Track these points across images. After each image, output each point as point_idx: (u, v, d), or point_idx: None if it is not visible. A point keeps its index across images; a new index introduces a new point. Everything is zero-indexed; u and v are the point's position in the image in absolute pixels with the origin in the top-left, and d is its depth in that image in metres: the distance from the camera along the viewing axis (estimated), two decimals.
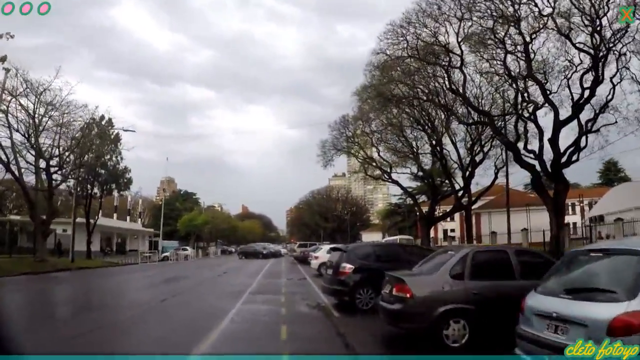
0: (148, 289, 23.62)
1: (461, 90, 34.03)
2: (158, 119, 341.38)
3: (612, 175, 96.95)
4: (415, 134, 50.90)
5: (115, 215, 73.81)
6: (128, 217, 79.76)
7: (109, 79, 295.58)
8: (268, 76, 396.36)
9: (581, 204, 78.20)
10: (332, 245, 29.47)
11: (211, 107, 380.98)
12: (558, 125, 28.16)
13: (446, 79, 35.25)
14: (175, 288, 23.00)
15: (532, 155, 30.42)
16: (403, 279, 9.93)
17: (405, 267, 12.92)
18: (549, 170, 28.79)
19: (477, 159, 45.96)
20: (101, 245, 67.07)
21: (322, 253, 31.70)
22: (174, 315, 14.43)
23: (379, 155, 56.01)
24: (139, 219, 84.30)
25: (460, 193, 49.29)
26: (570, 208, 70.82)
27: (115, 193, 58.13)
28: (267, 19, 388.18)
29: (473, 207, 57.47)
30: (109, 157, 51.94)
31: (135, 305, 16.70)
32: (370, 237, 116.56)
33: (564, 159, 28.66)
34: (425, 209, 56.42)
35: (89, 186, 52.04)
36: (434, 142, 47.40)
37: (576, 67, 28.15)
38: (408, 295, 9.56)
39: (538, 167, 30.06)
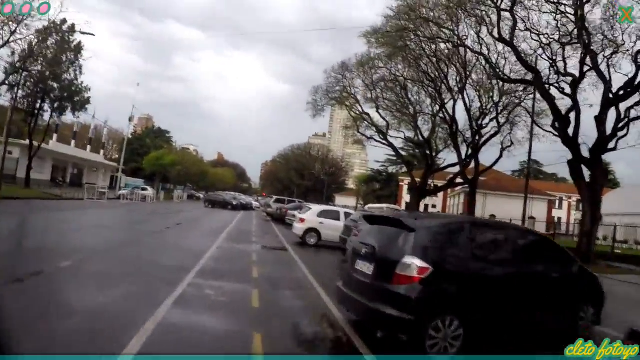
0: (38, 243, 14.31)
1: (509, 38, 26.96)
2: (144, 55, 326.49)
3: None
4: (418, 95, 45.12)
5: (73, 142, 63.94)
6: (89, 147, 69.75)
7: (99, 8, 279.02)
8: (259, 25, 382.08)
9: (569, 200, 76.62)
10: (372, 210, 20.94)
11: (197, 49, 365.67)
12: (607, 101, 24.13)
13: (493, 23, 28.29)
14: (83, 247, 13.88)
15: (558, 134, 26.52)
16: None
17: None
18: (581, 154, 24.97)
19: (484, 132, 41.04)
20: (53, 174, 57.64)
21: (312, 215, 23.17)
22: None
23: (377, 111, 48.78)
24: (102, 151, 74.22)
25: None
26: (557, 203, 64.57)
27: (70, 114, 47.70)
28: None
29: (462, 186, 51.48)
30: (65, 69, 42.33)
31: None
32: (344, 201, 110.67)
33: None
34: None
35: (38, 101, 42.38)
36: (444, 103, 41.18)
37: (619, 47, 24.34)
38: None
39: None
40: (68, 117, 65.75)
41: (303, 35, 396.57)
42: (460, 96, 38.73)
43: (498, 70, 31.88)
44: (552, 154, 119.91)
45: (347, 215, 22.50)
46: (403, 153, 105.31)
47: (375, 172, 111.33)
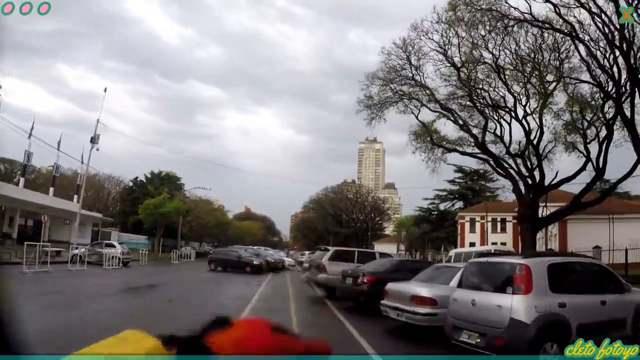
0: None
1: None
2: (165, 115, 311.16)
3: None
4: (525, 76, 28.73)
5: (22, 180, 41.97)
6: (51, 189, 47.70)
7: (119, 69, 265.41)
8: (277, 78, 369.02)
9: None
10: None
11: (219, 106, 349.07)
12: None
13: None
14: None
15: None
16: None
17: None
18: None
19: None
20: None
21: None
22: None
23: (470, 101, 30.96)
24: (75, 196, 51.90)
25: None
26: None
27: None
28: (278, 19, 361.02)
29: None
30: None
31: None
32: (384, 248, 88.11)
33: None
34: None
35: None
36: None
37: None
38: None
39: None
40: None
41: (321, 85, 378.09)
42: None
43: None
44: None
45: None
46: (457, 185, 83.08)
47: (424, 210, 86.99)
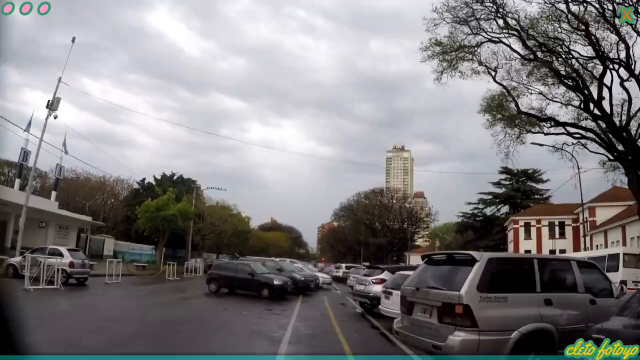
0: None
1: None
2: (189, 128, 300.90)
3: None
4: None
5: None
6: (17, 181, 35.92)
7: (143, 83, 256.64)
8: (300, 89, 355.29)
9: None
10: None
11: (242, 119, 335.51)
12: None
13: None
14: None
15: None
16: None
17: None
18: None
19: None
20: None
21: None
22: None
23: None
24: (54, 193, 39.86)
25: None
26: None
27: None
28: (299, 30, 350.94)
29: None
30: None
31: None
32: (418, 260, 74.95)
33: None
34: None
35: None
36: None
37: None
38: None
39: None
40: None
41: (344, 96, 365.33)
42: None
43: None
44: None
45: None
46: (502, 188, 71.59)
47: (468, 216, 74.71)
